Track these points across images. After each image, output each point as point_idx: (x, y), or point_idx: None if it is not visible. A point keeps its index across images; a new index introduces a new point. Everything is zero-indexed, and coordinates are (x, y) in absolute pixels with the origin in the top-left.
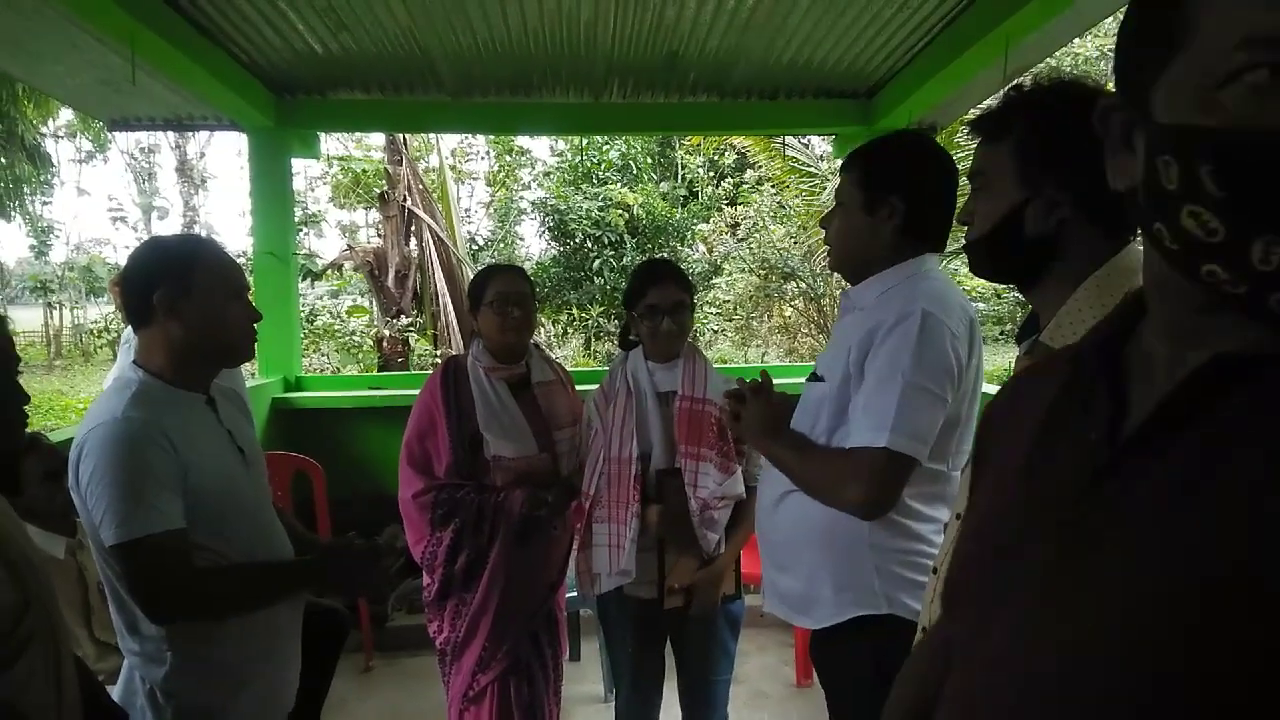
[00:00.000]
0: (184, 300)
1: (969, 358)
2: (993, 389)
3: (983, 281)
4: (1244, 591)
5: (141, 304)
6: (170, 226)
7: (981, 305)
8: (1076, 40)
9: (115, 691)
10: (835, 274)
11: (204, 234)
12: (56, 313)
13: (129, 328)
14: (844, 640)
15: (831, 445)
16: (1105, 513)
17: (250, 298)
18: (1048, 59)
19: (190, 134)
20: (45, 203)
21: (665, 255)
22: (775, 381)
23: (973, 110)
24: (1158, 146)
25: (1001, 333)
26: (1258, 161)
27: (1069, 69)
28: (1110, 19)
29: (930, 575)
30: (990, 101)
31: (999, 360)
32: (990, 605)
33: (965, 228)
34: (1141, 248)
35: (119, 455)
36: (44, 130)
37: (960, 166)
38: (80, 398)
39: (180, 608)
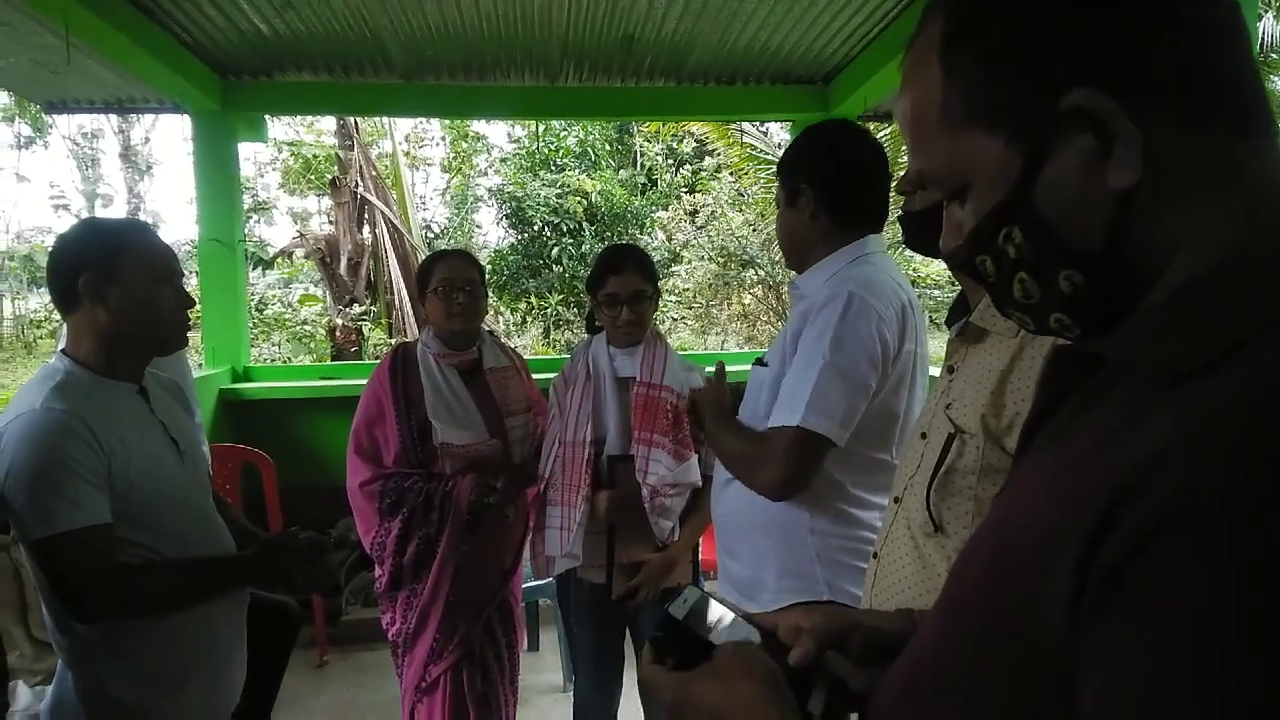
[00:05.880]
0: (110, 285)
1: (900, 342)
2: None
3: (939, 269)
4: (1020, 557)
5: (66, 288)
6: (114, 214)
7: (936, 292)
8: None
9: (50, 690)
10: None
11: (150, 221)
12: None
13: None
14: None
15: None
16: (1016, 470)
17: (183, 284)
18: None
19: (134, 118)
20: None
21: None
22: (734, 368)
23: None
24: None
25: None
26: None
27: None
28: None
29: (871, 560)
30: None
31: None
32: None
33: (904, 197)
34: None
35: (37, 448)
36: None
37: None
38: None
39: (105, 606)
